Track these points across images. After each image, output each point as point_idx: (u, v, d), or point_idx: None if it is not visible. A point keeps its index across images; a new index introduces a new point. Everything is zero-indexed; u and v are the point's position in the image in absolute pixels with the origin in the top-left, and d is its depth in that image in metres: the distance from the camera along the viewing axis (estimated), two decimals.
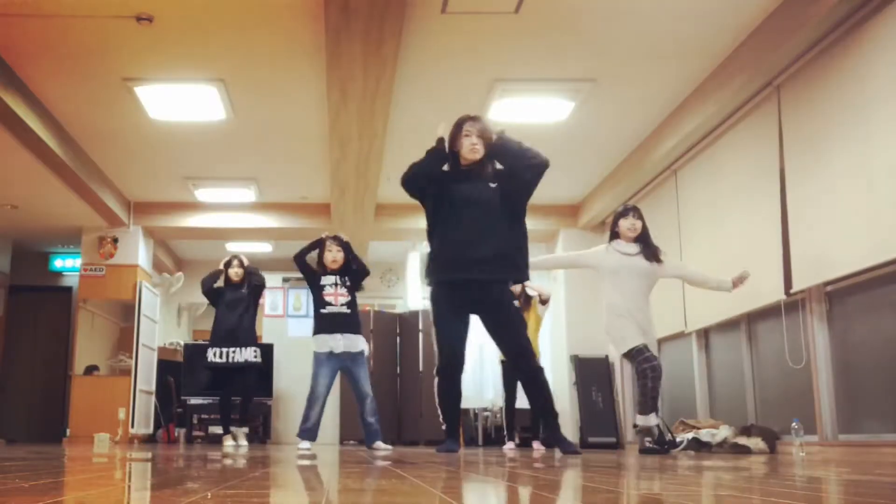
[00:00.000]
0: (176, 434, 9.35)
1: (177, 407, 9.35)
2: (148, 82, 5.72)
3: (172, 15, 4.80)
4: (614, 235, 5.03)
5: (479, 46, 5.17)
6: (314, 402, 5.72)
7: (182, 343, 10.31)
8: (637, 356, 4.80)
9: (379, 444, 5.71)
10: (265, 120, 6.47)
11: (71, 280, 10.24)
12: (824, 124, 4.70)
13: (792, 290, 4.99)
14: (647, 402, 4.77)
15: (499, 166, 4.10)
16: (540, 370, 4.13)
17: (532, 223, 4.40)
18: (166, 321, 10.87)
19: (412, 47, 5.10)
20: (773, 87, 5.18)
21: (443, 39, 5.09)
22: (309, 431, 5.68)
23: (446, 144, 4.05)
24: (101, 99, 6.02)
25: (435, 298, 4.11)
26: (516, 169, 4.00)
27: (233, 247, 10.58)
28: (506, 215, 4.00)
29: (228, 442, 6.80)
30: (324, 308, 5.81)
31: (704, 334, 6.51)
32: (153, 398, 9.14)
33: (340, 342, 5.76)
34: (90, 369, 8.82)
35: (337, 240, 6.01)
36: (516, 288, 6.56)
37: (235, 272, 6.79)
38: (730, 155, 5.85)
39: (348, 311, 5.83)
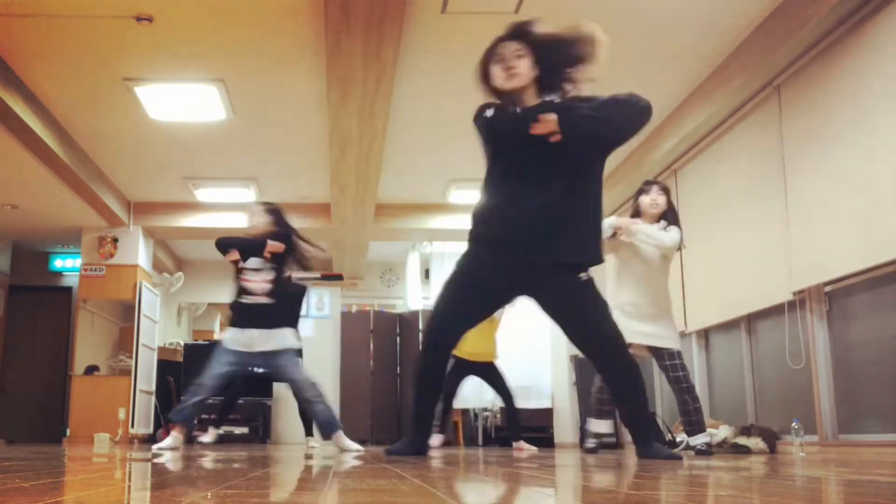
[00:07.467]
0: None
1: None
2: (148, 82, 5.72)
3: (172, 15, 4.80)
4: (636, 215, 4.63)
5: (479, 46, 5.16)
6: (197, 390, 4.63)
7: (182, 343, 10.31)
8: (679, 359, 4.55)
9: (345, 438, 4.85)
10: (265, 120, 6.47)
11: (71, 280, 10.24)
12: (824, 124, 4.70)
13: (792, 290, 5.00)
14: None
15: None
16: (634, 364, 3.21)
17: None
18: (166, 321, 10.87)
19: (412, 47, 5.10)
20: (773, 87, 5.19)
21: (443, 39, 5.09)
22: (179, 413, 4.67)
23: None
24: (101, 99, 6.02)
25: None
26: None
27: None
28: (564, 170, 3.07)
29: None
30: (241, 297, 4.72)
31: (704, 334, 6.51)
32: (153, 398, 9.15)
33: (256, 339, 4.65)
34: (90, 369, 8.82)
35: (264, 204, 5.00)
36: None
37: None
38: (730, 155, 5.85)
39: (270, 301, 4.70)
